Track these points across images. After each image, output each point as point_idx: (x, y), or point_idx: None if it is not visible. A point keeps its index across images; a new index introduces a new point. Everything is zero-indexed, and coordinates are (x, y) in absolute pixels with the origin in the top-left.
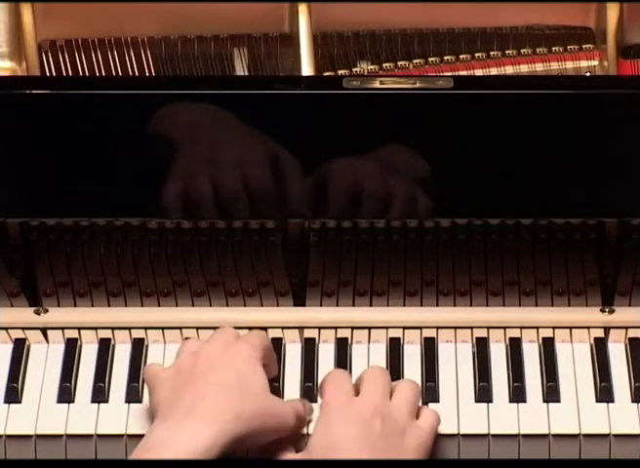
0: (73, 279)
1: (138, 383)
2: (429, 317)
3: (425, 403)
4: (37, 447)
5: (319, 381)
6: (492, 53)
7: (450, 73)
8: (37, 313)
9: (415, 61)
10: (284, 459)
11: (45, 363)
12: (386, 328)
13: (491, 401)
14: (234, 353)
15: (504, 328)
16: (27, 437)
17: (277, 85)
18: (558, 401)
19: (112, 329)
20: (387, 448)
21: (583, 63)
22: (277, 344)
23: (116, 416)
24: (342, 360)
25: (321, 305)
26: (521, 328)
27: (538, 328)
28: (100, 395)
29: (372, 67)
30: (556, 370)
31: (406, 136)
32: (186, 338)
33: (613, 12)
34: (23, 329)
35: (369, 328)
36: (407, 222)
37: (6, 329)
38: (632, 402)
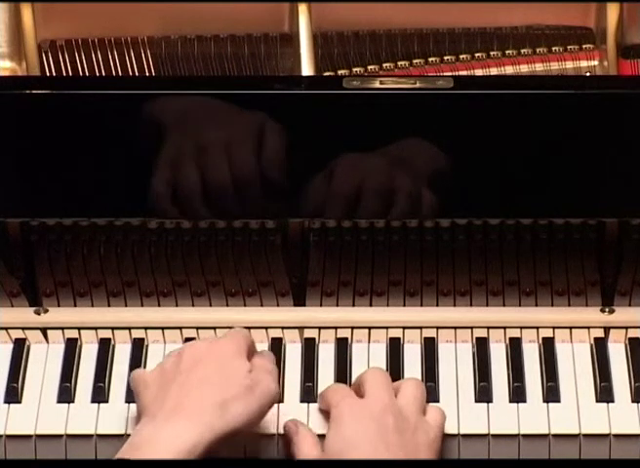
0: (73, 279)
1: None
2: (429, 317)
3: (425, 402)
4: (37, 447)
5: (319, 381)
6: (492, 53)
7: (450, 73)
8: (37, 313)
9: (415, 61)
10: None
11: (45, 363)
12: (386, 328)
13: (491, 401)
14: (217, 348)
15: (504, 328)
16: (27, 437)
17: (277, 85)
18: (558, 401)
19: (112, 329)
20: (401, 444)
21: (583, 63)
22: (277, 344)
23: (116, 416)
24: (342, 360)
25: (321, 305)
26: (521, 328)
27: (538, 328)
28: (100, 395)
29: (372, 67)
30: (556, 370)
31: (406, 136)
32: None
33: (613, 12)
34: (23, 329)
35: (369, 328)
36: (407, 222)
37: (6, 329)
38: (632, 402)
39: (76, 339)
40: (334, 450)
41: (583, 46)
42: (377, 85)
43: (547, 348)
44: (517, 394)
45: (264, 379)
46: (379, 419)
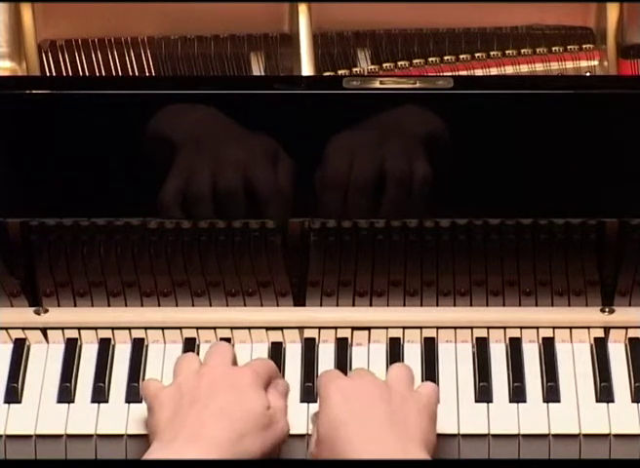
0: (73, 279)
1: (138, 383)
2: (429, 317)
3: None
4: (37, 447)
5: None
6: (492, 53)
7: (450, 73)
8: (37, 313)
9: (415, 61)
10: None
11: (45, 363)
12: (386, 328)
13: (491, 401)
14: (237, 377)
15: (504, 328)
16: (27, 437)
17: (277, 85)
18: (558, 401)
19: (112, 329)
20: (389, 412)
21: (583, 63)
22: (277, 345)
23: (116, 416)
24: (342, 360)
25: (321, 305)
26: (521, 328)
27: (538, 328)
28: (100, 395)
29: (372, 67)
30: (556, 370)
31: (406, 136)
32: (183, 353)
33: (613, 12)
34: (23, 329)
35: (369, 328)
36: (407, 222)
37: (6, 329)
38: (632, 402)
39: (76, 339)
40: (325, 433)
41: (583, 46)
42: (377, 85)
43: (547, 348)
44: (517, 394)
45: (281, 421)
46: (364, 394)
